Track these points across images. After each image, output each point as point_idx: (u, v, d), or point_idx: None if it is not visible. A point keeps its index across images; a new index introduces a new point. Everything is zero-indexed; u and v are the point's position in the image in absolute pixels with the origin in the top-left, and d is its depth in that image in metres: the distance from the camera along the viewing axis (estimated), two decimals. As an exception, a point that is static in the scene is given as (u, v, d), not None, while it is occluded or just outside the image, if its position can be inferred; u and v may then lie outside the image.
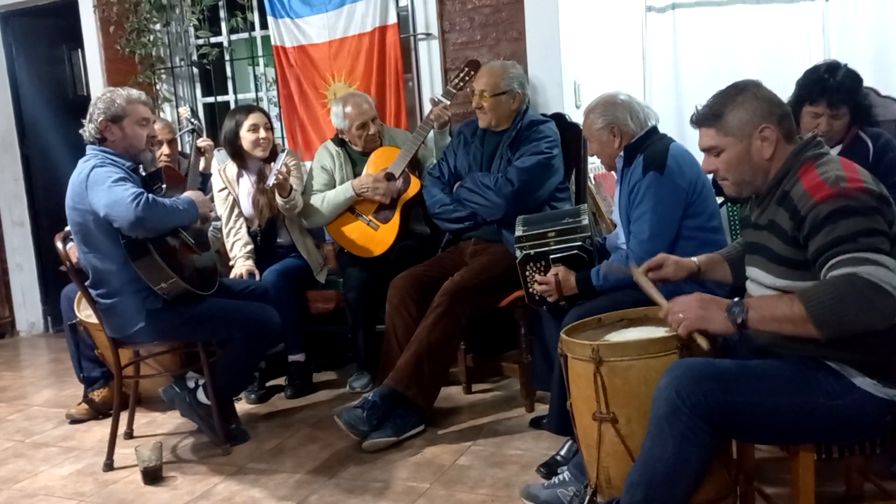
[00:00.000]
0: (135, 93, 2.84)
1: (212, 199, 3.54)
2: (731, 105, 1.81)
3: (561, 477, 2.29)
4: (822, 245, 1.64)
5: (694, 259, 2.11)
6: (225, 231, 3.61)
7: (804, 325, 1.61)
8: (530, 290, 2.68)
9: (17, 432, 3.37)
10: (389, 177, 3.51)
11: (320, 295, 3.89)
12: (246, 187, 3.61)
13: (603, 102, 2.62)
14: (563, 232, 2.64)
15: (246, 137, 3.54)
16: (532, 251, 2.64)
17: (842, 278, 1.58)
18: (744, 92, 1.81)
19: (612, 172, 3.66)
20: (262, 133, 3.53)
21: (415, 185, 3.49)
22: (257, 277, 3.46)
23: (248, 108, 3.62)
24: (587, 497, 2.02)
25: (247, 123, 3.53)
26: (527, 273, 2.66)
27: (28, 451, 3.13)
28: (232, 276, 3.47)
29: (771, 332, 1.68)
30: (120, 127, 2.76)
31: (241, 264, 3.51)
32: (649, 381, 1.79)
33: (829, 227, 1.63)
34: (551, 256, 2.59)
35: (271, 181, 3.34)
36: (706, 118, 1.84)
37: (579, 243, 2.58)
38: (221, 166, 3.65)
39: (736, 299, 1.70)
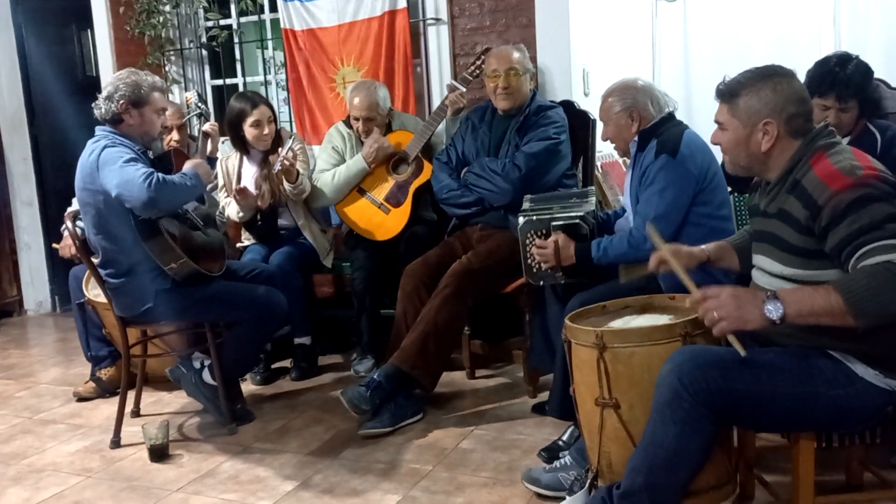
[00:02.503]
0: (158, 80, 2.86)
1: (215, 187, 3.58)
2: (749, 89, 1.82)
3: (562, 461, 2.31)
4: (847, 235, 1.63)
5: (704, 247, 2.12)
6: (223, 200, 3.62)
7: (843, 317, 1.60)
8: (529, 260, 2.69)
9: (25, 409, 3.41)
10: (404, 157, 3.52)
11: (324, 279, 3.91)
12: (249, 173, 3.62)
13: (622, 87, 2.62)
14: (567, 206, 2.70)
15: (248, 132, 3.54)
16: (534, 217, 2.67)
17: (878, 267, 1.58)
18: (767, 80, 1.81)
19: (621, 162, 3.68)
20: (266, 129, 3.52)
21: (428, 171, 3.49)
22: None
23: (253, 101, 3.55)
24: (588, 481, 2.04)
25: (250, 119, 3.50)
26: (527, 241, 2.69)
27: (36, 428, 3.17)
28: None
29: (805, 325, 1.66)
30: (140, 112, 2.77)
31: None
32: (652, 368, 1.81)
33: (852, 216, 1.63)
34: (552, 223, 2.62)
35: (277, 167, 3.35)
36: (724, 94, 1.86)
37: (581, 213, 2.62)
38: (225, 157, 3.66)
39: (769, 294, 1.66)
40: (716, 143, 1.93)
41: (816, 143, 1.79)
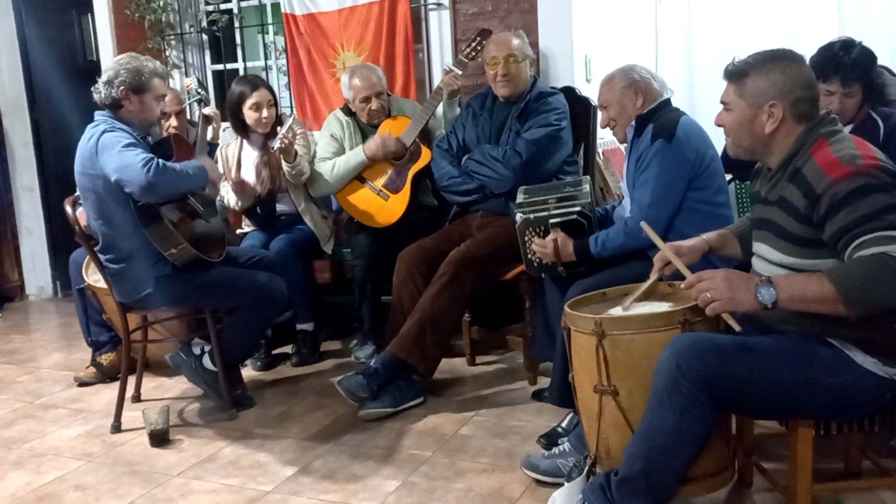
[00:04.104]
0: (159, 67, 2.85)
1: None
2: (758, 70, 1.81)
3: (561, 448, 2.32)
4: (844, 224, 1.63)
5: (704, 237, 2.11)
6: (223, 188, 3.61)
7: (834, 305, 1.61)
8: (529, 255, 2.69)
9: (26, 394, 3.42)
10: (400, 146, 3.51)
11: (323, 265, 3.90)
12: (249, 159, 3.61)
13: (621, 69, 2.63)
14: (563, 199, 2.67)
15: (248, 114, 3.53)
16: (532, 215, 2.66)
17: (872, 258, 1.58)
18: (777, 62, 1.81)
19: (622, 148, 3.66)
20: (265, 112, 3.51)
21: (426, 156, 3.48)
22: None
23: (253, 84, 3.55)
24: (586, 467, 2.04)
25: (250, 101, 3.50)
26: (526, 238, 2.68)
27: (37, 413, 3.18)
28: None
29: (795, 311, 1.67)
30: (140, 99, 2.76)
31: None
32: (651, 355, 1.81)
33: (850, 206, 1.63)
34: (550, 221, 2.61)
35: (276, 145, 3.34)
36: (732, 74, 1.86)
37: (578, 209, 2.60)
38: (225, 144, 3.65)
39: (763, 278, 1.68)
40: (719, 125, 1.92)
41: (818, 131, 1.78)
